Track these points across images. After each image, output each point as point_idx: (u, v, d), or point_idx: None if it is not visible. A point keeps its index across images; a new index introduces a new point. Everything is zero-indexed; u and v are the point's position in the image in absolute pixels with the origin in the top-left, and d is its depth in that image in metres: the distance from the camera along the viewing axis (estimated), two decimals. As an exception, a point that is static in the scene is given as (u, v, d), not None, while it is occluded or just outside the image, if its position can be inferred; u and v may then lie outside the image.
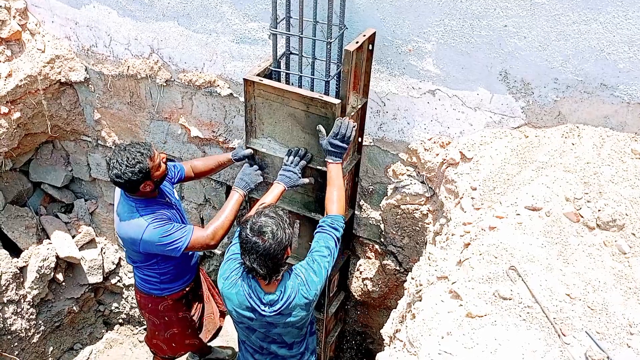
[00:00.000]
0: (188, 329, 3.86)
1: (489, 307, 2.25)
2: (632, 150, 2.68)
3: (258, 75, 3.16)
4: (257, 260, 2.56)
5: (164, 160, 3.19)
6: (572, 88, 2.77)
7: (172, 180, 3.49)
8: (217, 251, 4.72)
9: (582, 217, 2.49)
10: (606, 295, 2.24)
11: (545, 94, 2.83)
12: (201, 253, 4.19)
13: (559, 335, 2.11)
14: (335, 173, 2.97)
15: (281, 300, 2.71)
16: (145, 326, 5.42)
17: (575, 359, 2.04)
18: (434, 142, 3.21)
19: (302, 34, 3.06)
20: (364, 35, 2.94)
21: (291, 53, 3.26)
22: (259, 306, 2.73)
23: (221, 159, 3.58)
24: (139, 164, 2.98)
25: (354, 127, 2.94)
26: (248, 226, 2.59)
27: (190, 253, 3.54)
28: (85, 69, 4.21)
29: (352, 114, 3.12)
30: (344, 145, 2.93)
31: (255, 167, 3.31)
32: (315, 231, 2.91)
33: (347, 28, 3.03)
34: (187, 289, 3.70)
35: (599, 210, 2.47)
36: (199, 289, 3.90)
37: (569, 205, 2.54)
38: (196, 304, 3.87)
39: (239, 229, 2.70)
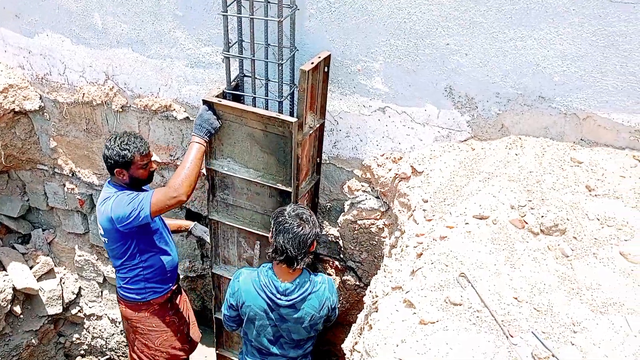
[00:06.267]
0: (177, 332, 3.81)
1: (440, 313, 2.32)
2: (571, 159, 2.81)
3: (217, 97, 3.22)
4: (290, 241, 2.85)
5: (152, 168, 3.37)
6: (512, 101, 2.90)
7: None
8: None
9: (526, 223, 2.59)
10: (551, 296, 2.33)
11: (489, 107, 2.96)
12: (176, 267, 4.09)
13: (507, 337, 2.19)
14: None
15: (297, 291, 2.98)
16: (108, 356, 5.32)
17: (522, 358, 2.11)
18: (386, 158, 3.30)
19: (254, 56, 3.14)
20: (319, 57, 3.02)
21: (244, 75, 3.33)
22: (274, 295, 2.98)
23: (183, 225, 3.78)
24: (126, 151, 3.22)
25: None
26: (287, 210, 2.94)
27: (170, 253, 3.59)
28: (40, 98, 4.20)
29: (310, 133, 3.20)
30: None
31: (211, 112, 3.18)
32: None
33: (297, 50, 3.12)
34: (169, 293, 3.69)
35: (542, 216, 2.58)
36: (179, 296, 3.91)
37: (514, 213, 2.64)
38: (179, 308, 3.86)
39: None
